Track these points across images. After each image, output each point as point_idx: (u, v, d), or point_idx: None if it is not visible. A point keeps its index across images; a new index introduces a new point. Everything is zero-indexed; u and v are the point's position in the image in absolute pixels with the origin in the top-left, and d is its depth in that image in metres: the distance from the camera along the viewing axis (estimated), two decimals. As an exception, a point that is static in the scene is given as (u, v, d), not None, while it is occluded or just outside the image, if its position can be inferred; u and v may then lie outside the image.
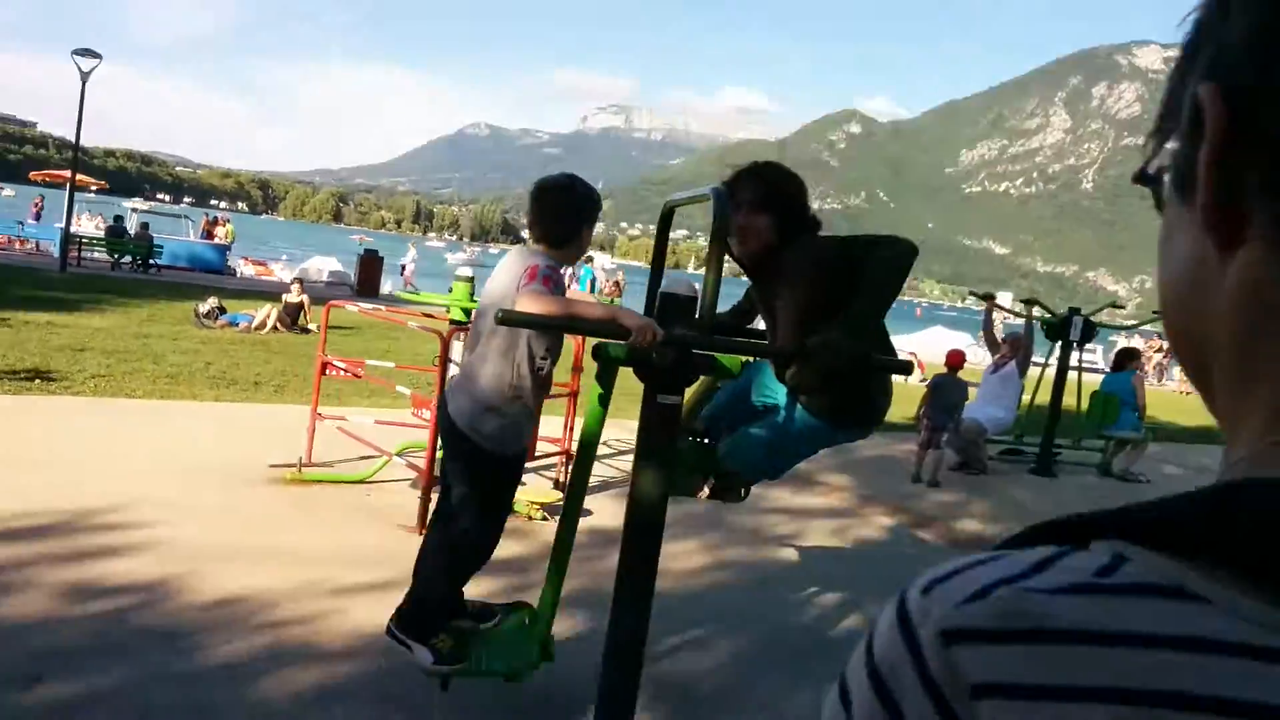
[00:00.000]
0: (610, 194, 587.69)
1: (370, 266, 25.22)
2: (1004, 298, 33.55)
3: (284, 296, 14.24)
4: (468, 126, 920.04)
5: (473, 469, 2.94)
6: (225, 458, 5.98)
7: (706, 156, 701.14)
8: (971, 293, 10.59)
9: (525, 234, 3.18)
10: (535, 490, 5.67)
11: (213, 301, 13.58)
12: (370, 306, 7.61)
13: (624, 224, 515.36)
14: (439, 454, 3.22)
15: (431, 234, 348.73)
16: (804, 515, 6.47)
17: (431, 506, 4.98)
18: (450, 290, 6.04)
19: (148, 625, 3.52)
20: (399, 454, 5.80)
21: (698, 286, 3.11)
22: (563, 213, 2.92)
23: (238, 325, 13.22)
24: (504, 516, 3.09)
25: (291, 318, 14.03)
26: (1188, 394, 26.28)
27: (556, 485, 6.19)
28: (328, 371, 6.04)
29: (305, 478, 5.67)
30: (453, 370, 4.58)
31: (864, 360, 2.63)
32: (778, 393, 3.06)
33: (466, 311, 5.83)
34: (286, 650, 3.46)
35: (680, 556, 5.11)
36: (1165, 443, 12.03)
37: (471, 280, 5.97)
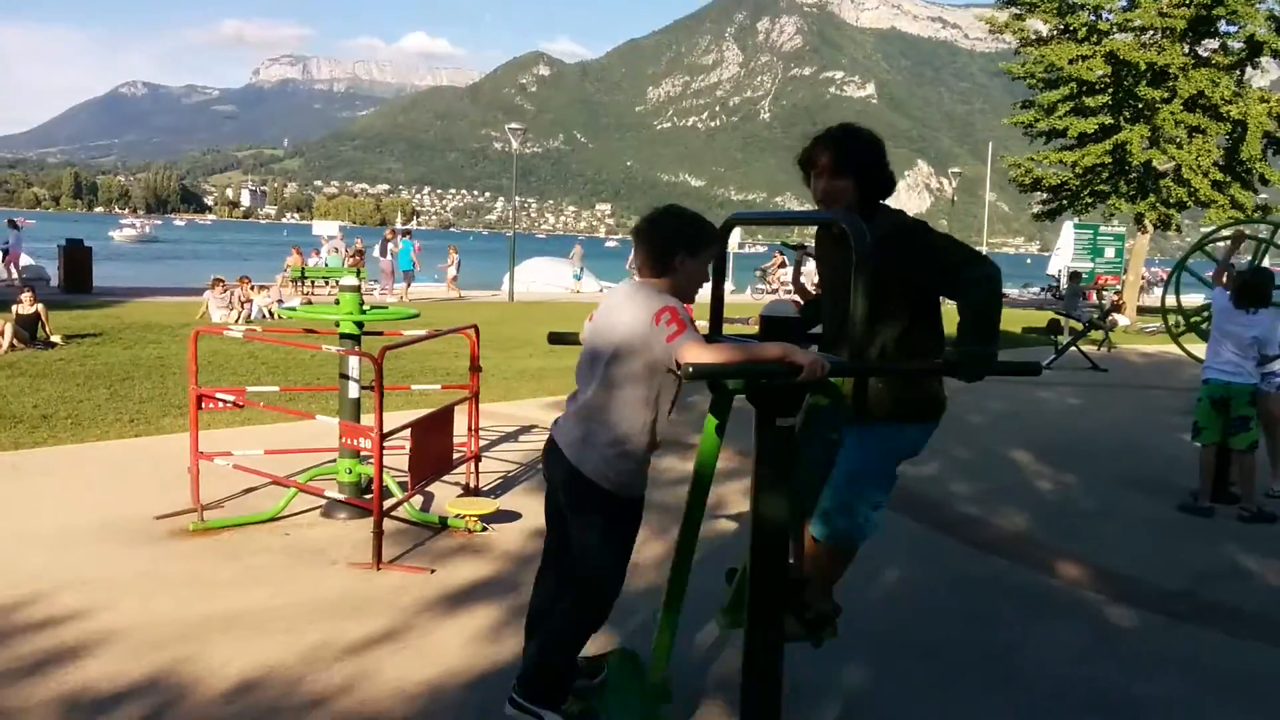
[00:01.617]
0: (300, 151, 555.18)
1: (78, 259, 22.54)
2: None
3: (14, 308, 12.56)
4: (122, 86, 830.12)
5: (605, 517, 2.86)
6: (94, 516, 5.32)
7: (397, 105, 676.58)
8: (784, 244, 11.12)
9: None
10: (464, 502, 5.48)
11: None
12: (242, 329, 6.96)
13: (318, 182, 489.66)
14: (553, 505, 3.04)
15: (99, 208, 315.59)
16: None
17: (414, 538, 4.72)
18: (336, 301, 5.62)
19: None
20: (307, 482, 5.42)
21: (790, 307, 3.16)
22: (658, 241, 2.86)
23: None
24: (629, 554, 3.00)
25: (30, 331, 12.43)
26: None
27: (466, 490, 6.01)
28: (204, 405, 5.48)
29: (211, 525, 5.16)
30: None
31: (998, 365, 2.85)
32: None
33: (359, 324, 5.49)
34: (351, 728, 3.22)
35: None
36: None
37: (359, 289, 5.60)
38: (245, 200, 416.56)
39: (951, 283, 2.96)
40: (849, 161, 3.05)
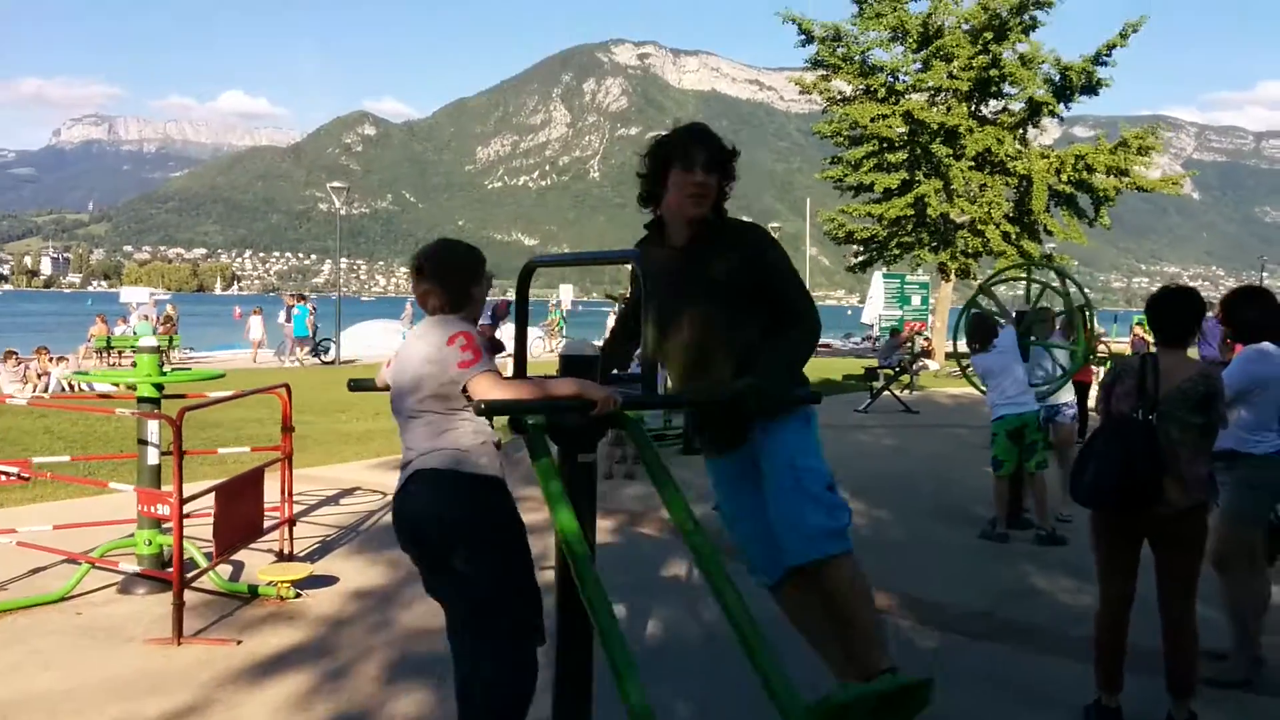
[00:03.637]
0: (107, 215, 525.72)
1: None
2: (565, 290, 35.41)
3: None
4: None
5: (482, 511, 2.75)
6: None
7: (214, 166, 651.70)
8: (609, 296, 11.26)
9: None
10: (276, 569, 5.26)
11: None
12: (27, 398, 6.49)
13: (128, 247, 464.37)
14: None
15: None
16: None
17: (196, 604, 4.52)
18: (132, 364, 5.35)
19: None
20: (102, 556, 5.09)
21: (597, 344, 3.22)
22: (453, 278, 2.87)
23: None
24: (528, 567, 2.82)
25: None
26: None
27: (280, 556, 5.77)
28: (-16, 479, 5.09)
29: (-9, 609, 4.77)
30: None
31: (784, 398, 2.96)
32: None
33: (159, 387, 5.24)
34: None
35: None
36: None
37: (158, 350, 5.36)
38: (46, 268, 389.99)
39: (785, 319, 3.03)
40: (718, 159, 3.05)
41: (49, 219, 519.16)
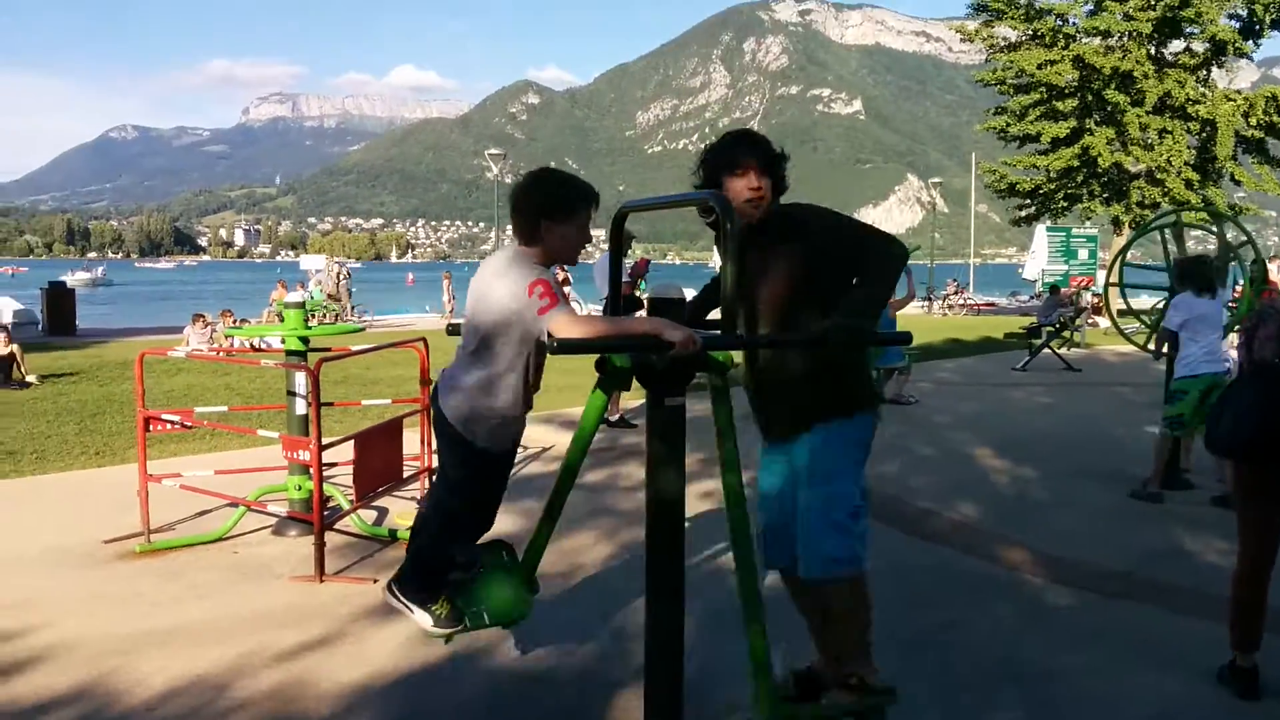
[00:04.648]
0: (293, 188, 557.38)
1: (62, 301, 22.68)
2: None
3: (-11, 349, 12.62)
4: (111, 130, 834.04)
5: (467, 465, 3.01)
6: (43, 542, 5.36)
7: (388, 139, 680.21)
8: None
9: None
10: (409, 514, 5.53)
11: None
12: (194, 350, 7.03)
13: (312, 219, 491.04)
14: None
15: (92, 253, 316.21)
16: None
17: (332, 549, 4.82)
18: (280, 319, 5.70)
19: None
20: (255, 499, 5.47)
21: (688, 291, 3.24)
22: (523, 211, 2.94)
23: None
24: (497, 499, 3.17)
25: (4, 373, 12.49)
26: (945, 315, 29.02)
27: (420, 502, 6.05)
28: (152, 427, 5.54)
29: (158, 546, 5.21)
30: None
31: (871, 337, 2.91)
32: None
33: (304, 340, 5.55)
34: (273, 729, 3.26)
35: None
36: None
37: (302, 306, 5.68)
38: (239, 240, 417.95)
39: (864, 255, 3.00)
40: (771, 163, 3.10)
41: (241, 193, 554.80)
